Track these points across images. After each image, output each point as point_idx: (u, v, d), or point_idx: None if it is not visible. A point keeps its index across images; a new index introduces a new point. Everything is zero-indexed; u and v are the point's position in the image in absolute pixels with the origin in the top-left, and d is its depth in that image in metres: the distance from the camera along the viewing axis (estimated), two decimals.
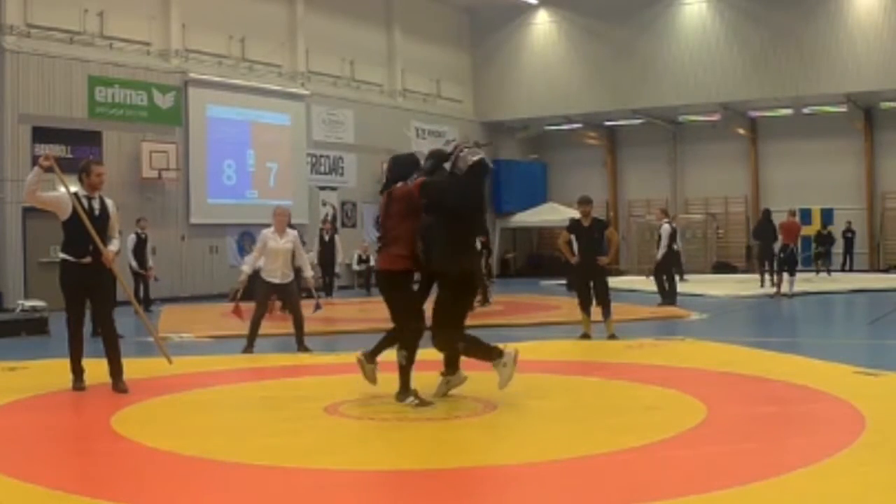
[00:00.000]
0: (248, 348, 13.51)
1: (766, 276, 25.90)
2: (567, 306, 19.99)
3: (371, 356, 9.34)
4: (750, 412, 8.37)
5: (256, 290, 13.82)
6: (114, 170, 25.29)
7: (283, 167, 31.35)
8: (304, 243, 14.72)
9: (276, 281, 13.57)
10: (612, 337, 14.32)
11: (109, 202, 10.36)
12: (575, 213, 15.89)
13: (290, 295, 13.88)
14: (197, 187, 28.57)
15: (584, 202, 14.79)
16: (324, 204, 33.13)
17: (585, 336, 14.53)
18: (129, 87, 26.86)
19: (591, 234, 14.57)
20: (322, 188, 33.22)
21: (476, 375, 9.12)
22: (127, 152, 26.54)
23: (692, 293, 25.17)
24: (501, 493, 6.06)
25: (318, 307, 14.38)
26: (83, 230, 9.94)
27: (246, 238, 29.16)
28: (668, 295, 21.68)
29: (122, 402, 9.39)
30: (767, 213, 26.96)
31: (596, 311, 14.59)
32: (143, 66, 27.39)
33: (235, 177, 29.99)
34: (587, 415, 8.53)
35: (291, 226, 14.30)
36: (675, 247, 24.73)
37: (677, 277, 30.04)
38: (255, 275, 13.81)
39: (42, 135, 24.42)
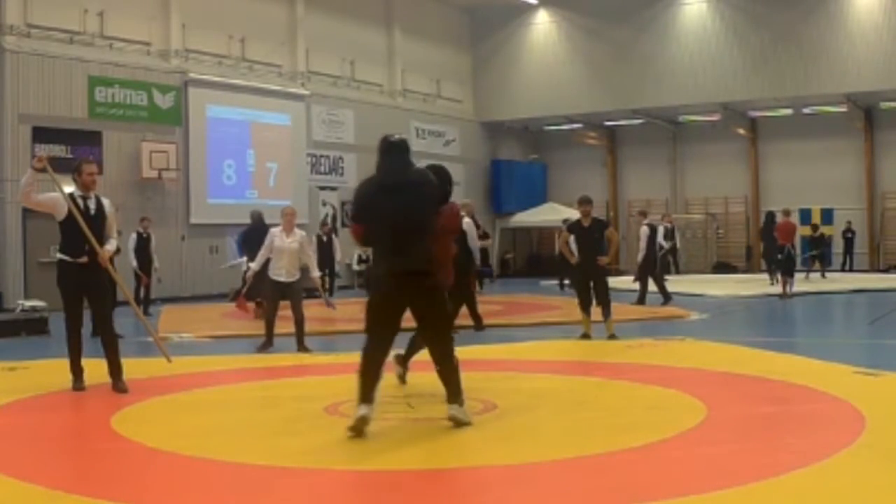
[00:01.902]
0: (267, 345, 13.87)
1: (772, 276, 25.90)
2: (567, 306, 19.93)
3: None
4: (750, 412, 8.37)
5: (264, 289, 14.02)
6: (114, 170, 25.71)
7: (283, 167, 31.29)
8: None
9: (282, 279, 13.80)
10: (612, 337, 14.30)
11: (106, 202, 10.41)
12: (575, 214, 15.87)
13: (293, 294, 13.98)
14: (197, 187, 28.53)
15: (585, 202, 14.82)
16: (324, 204, 33.03)
17: (585, 336, 14.52)
18: (129, 87, 26.80)
19: (591, 234, 14.58)
20: (322, 188, 33.12)
21: (475, 376, 9.05)
22: (127, 152, 26.48)
23: (692, 293, 25.04)
24: (501, 494, 6.00)
25: (330, 305, 14.61)
26: (79, 230, 9.97)
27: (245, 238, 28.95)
28: (663, 296, 21.70)
29: (122, 401, 9.38)
30: (771, 215, 26.99)
31: (596, 312, 14.59)
32: (143, 66, 27.32)
33: (235, 177, 29.93)
34: (587, 415, 8.50)
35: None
36: (666, 245, 24.71)
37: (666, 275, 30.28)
38: (263, 273, 14.01)
39: (42, 135, 24.35)
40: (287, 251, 13.76)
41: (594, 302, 14.60)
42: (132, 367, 10.76)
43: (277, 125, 31.34)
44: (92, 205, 10.22)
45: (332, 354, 13.57)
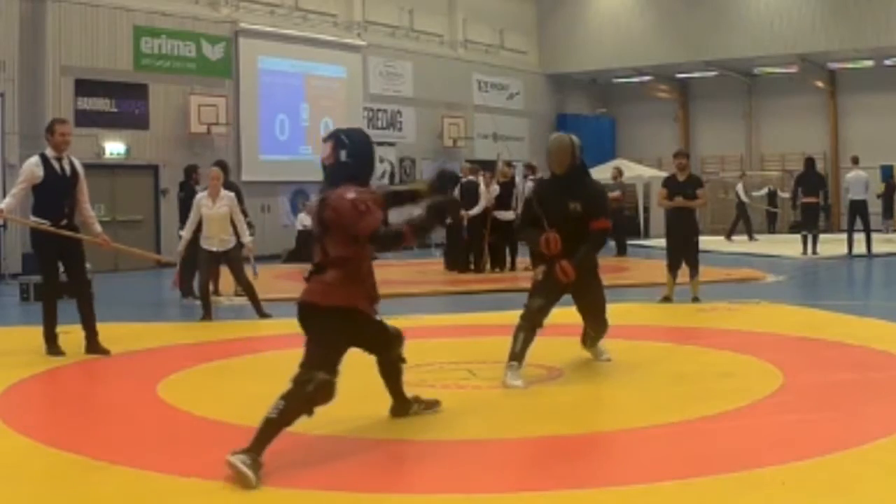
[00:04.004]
0: (206, 317, 13.14)
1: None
2: (636, 268, 19.96)
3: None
4: (828, 379, 8.20)
5: (197, 259, 13.47)
6: (160, 124, 25.34)
7: (338, 122, 30.11)
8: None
9: (214, 248, 13.21)
10: (695, 300, 13.84)
11: (78, 163, 10.36)
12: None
13: (231, 262, 13.48)
14: (248, 143, 27.80)
15: (680, 155, 14.55)
16: (381, 160, 32.13)
17: (667, 299, 14.00)
18: (177, 37, 26.05)
19: (685, 190, 13.91)
20: (379, 144, 32.07)
21: (539, 341, 8.57)
22: (174, 106, 25.86)
23: (768, 254, 24.24)
24: (566, 465, 5.94)
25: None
26: (56, 194, 10.04)
27: (300, 196, 28.58)
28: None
29: (168, 368, 9.22)
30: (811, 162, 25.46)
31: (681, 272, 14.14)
32: (191, 16, 26.63)
33: (288, 132, 29.24)
34: (658, 382, 8.33)
35: (229, 184, 14.08)
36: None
37: (746, 237, 29.31)
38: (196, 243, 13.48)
39: (85, 88, 23.83)
40: (215, 217, 13.07)
41: (682, 263, 14.08)
42: (177, 333, 11.20)
43: (332, 78, 30.67)
44: (66, 166, 10.14)
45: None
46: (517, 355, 8.17)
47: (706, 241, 17.88)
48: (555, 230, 8.21)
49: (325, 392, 5.91)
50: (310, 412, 5.87)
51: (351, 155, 6.23)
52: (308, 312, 6.17)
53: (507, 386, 7.96)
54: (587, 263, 8.43)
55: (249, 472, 5.36)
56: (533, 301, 8.37)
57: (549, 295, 8.38)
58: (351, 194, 6.03)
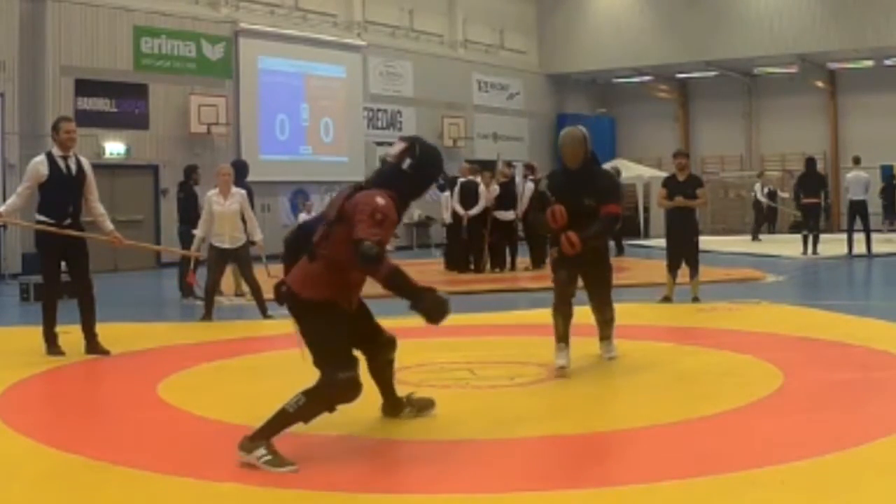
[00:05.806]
0: (207, 316, 13.11)
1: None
2: (636, 268, 19.80)
3: None
4: (829, 379, 8.17)
5: (207, 256, 13.42)
6: (160, 125, 25.35)
7: (338, 122, 30.58)
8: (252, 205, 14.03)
9: (225, 245, 13.17)
10: (695, 300, 13.77)
11: (85, 161, 10.30)
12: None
13: (241, 260, 13.46)
14: (248, 143, 27.66)
15: (680, 155, 14.52)
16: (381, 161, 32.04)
17: (667, 299, 13.91)
18: (177, 37, 26.02)
19: (685, 189, 13.85)
20: (379, 144, 32.07)
21: (540, 341, 8.84)
22: (174, 106, 25.82)
23: (768, 254, 24.22)
24: (566, 465, 5.98)
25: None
26: (61, 193, 9.97)
27: (300, 196, 28.63)
28: None
29: (168, 368, 9.18)
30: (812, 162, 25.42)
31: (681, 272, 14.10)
32: (191, 16, 26.60)
33: (289, 132, 29.16)
34: (658, 382, 8.30)
35: (244, 185, 14.14)
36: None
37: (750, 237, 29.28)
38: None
39: (85, 87, 23.81)
40: (227, 215, 13.08)
41: (682, 263, 14.04)
42: (177, 333, 11.16)
43: (332, 77, 30.56)
44: (72, 165, 10.08)
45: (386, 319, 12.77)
46: (562, 336, 8.52)
47: (706, 241, 17.81)
48: (566, 220, 8.31)
49: (349, 391, 5.88)
50: (331, 409, 5.92)
51: (413, 167, 6.10)
52: (288, 300, 6.09)
53: (556, 366, 8.40)
54: (597, 245, 8.66)
55: (282, 469, 5.55)
56: (559, 274, 8.59)
57: (571, 269, 8.54)
58: (381, 200, 5.84)
